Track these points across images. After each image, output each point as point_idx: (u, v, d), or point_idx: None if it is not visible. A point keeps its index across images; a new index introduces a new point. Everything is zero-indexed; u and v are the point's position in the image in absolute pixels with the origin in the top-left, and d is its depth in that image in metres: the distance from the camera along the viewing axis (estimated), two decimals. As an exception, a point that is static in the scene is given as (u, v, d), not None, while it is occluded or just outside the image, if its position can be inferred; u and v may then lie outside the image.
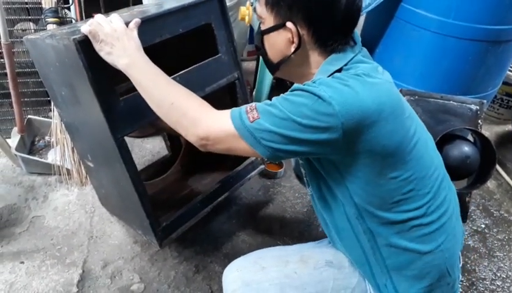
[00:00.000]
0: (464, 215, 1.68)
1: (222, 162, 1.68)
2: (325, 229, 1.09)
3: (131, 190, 1.25)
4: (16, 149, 1.88)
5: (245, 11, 1.91)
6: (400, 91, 1.72)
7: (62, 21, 1.88)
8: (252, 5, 1.92)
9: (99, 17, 1.01)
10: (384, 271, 0.96)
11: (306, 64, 0.93)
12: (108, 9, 2.01)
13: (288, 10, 0.88)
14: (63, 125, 1.78)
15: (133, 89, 0.99)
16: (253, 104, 0.85)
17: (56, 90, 1.33)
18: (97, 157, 1.45)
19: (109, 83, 1.10)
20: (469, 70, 1.84)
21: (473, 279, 1.63)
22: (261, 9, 0.93)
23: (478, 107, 1.69)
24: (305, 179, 1.06)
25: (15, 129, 1.97)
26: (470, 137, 1.68)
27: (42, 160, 1.92)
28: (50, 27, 1.82)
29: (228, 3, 1.37)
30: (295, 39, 0.89)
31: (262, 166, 1.68)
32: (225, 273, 1.05)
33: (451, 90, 1.80)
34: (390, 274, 0.95)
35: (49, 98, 2.02)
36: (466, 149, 1.54)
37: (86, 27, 0.98)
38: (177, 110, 0.90)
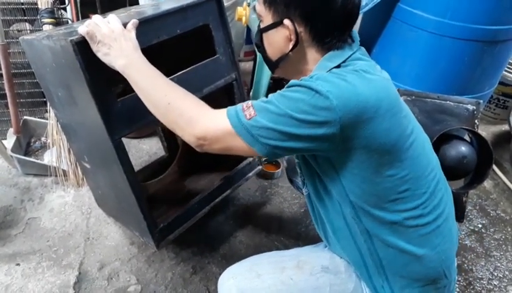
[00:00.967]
0: (461, 215, 1.69)
1: (219, 163, 1.68)
2: (321, 232, 1.09)
3: (128, 191, 1.25)
4: (12, 150, 1.87)
5: (242, 11, 1.91)
6: (397, 91, 1.72)
7: (58, 22, 1.88)
8: (249, 6, 1.92)
9: (96, 18, 1.00)
10: (381, 272, 0.95)
11: (304, 61, 0.93)
12: (104, 10, 2.00)
13: (285, 8, 0.88)
14: (59, 126, 1.77)
15: (131, 90, 0.99)
16: (250, 101, 0.85)
17: (53, 90, 1.32)
18: (93, 158, 1.45)
19: (106, 84, 1.10)
20: (466, 70, 1.85)
21: (470, 279, 1.63)
22: (260, 7, 0.93)
23: (474, 107, 1.69)
24: (300, 178, 1.06)
25: (11, 130, 1.95)
26: (467, 137, 1.68)
27: (38, 161, 1.91)
28: (46, 27, 1.82)
29: (225, 4, 1.36)
30: (293, 37, 0.89)
31: (259, 167, 1.69)
32: (220, 281, 1.04)
33: (448, 90, 1.80)
34: (386, 275, 0.95)
35: (45, 99, 2.01)
36: (463, 149, 1.54)
37: (83, 28, 0.98)
38: (174, 111, 0.90)
